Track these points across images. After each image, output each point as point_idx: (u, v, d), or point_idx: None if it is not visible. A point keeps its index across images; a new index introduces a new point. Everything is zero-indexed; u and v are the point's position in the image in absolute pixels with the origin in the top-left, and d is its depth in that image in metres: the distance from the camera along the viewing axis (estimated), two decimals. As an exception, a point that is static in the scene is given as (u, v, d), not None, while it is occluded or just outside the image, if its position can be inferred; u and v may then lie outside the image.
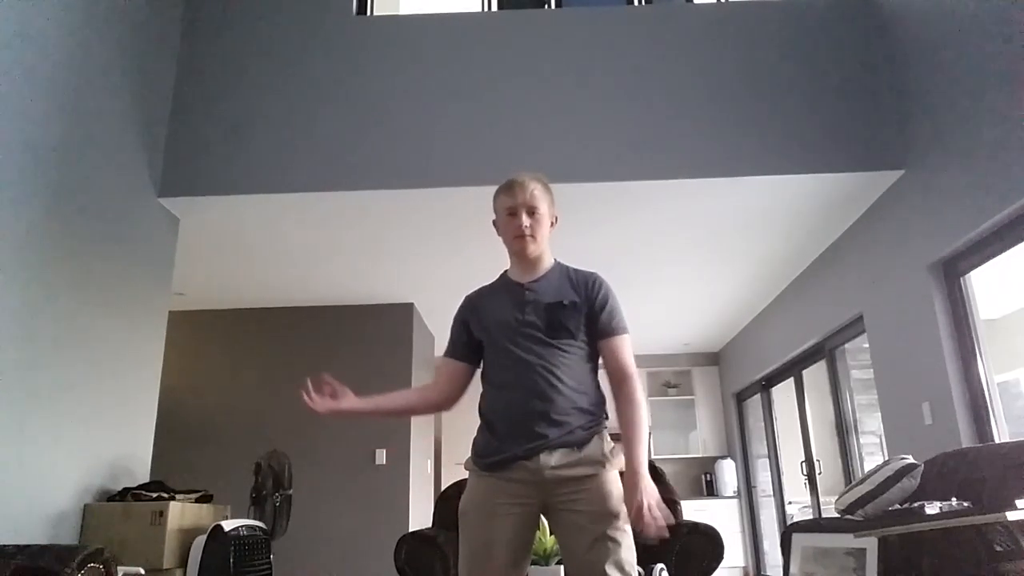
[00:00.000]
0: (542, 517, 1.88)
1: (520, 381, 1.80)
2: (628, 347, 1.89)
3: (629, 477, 1.73)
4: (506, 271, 2.03)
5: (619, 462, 1.80)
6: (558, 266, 1.98)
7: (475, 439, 1.88)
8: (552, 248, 2.01)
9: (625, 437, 1.80)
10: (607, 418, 1.88)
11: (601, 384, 1.91)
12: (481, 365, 1.97)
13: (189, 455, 5.46)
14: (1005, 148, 3.18)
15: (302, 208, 4.25)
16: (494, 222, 2.01)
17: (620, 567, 1.68)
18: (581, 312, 1.87)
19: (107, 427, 3.46)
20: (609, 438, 1.85)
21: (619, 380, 1.86)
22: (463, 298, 2.02)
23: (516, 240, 1.91)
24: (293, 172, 4.06)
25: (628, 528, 1.74)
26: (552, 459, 1.75)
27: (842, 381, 5.33)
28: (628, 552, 1.72)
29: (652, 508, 1.67)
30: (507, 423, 1.81)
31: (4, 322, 2.83)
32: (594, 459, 1.77)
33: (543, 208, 1.92)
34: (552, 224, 1.99)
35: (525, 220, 1.89)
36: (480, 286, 2.03)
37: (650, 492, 1.70)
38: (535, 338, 1.82)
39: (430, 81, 4.25)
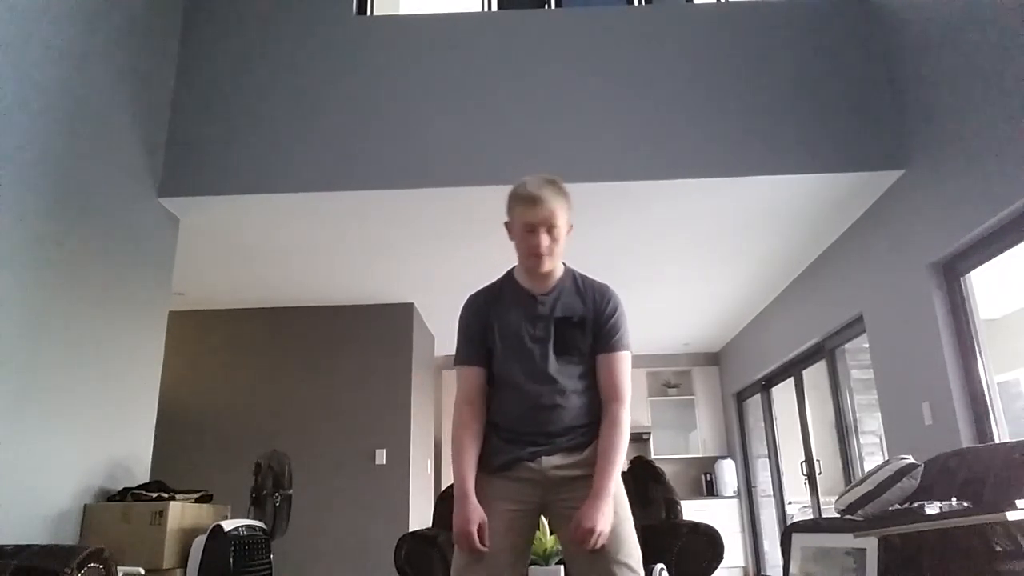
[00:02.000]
0: (543, 518, 1.88)
1: (528, 392, 1.80)
2: (626, 366, 1.84)
3: (592, 499, 1.70)
4: (513, 271, 1.96)
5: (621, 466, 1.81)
6: (568, 274, 1.93)
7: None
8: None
9: (600, 456, 1.76)
10: None
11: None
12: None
13: (189, 455, 5.47)
14: (1005, 148, 3.18)
15: (302, 208, 4.25)
16: (507, 224, 1.91)
17: (625, 565, 1.68)
18: (588, 327, 1.85)
19: (107, 427, 3.46)
20: None
21: (608, 399, 1.83)
22: (469, 299, 1.95)
23: (532, 257, 1.85)
24: (293, 172, 4.06)
25: (630, 526, 1.74)
26: (554, 460, 1.78)
27: (842, 381, 5.32)
28: (633, 548, 1.72)
29: (600, 537, 1.66)
30: (511, 431, 1.81)
31: (4, 322, 2.83)
32: (595, 462, 1.77)
33: (562, 223, 1.84)
34: (568, 231, 1.90)
35: (544, 240, 1.81)
36: (485, 286, 1.96)
37: (607, 521, 1.68)
38: (545, 354, 1.82)
39: (430, 81, 4.25)
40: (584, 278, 1.93)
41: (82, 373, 3.29)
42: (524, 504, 1.78)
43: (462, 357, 1.90)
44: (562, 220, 1.84)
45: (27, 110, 3.02)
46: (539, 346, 1.82)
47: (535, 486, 1.78)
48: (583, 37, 4.36)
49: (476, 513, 1.72)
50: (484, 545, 1.70)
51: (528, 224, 1.82)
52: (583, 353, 1.84)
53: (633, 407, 9.31)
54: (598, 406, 1.84)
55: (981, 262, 3.55)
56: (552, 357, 1.81)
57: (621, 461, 1.77)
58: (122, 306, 3.64)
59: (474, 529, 1.70)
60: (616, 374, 1.83)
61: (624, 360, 1.85)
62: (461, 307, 1.95)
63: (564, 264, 1.94)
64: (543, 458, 1.77)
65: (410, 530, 4.03)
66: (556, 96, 4.20)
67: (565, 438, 1.79)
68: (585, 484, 1.74)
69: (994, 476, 2.58)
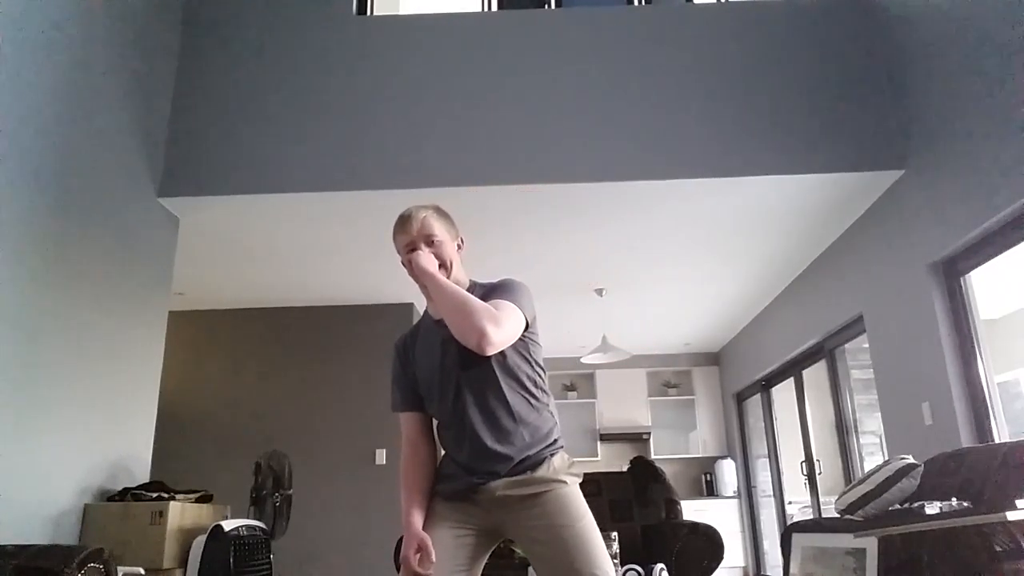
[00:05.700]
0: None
1: (462, 427, 1.76)
2: (510, 309, 1.70)
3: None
4: (427, 308, 1.92)
5: (577, 477, 1.78)
6: (473, 285, 1.87)
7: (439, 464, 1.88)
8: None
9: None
10: (561, 445, 1.82)
11: (552, 409, 1.85)
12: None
13: (189, 455, 5.47)
14: (1005, 148, 3.18)
15: (302, 208, 4.25)
16: (402, 262, 1.86)
17: (595, 566, 1.66)
18: None
19: (107, 427, 3.46)
20: (566, 456, 1.80)
21: None
22: (395, 345, 1.94)
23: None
24: (293, 172, 4.06)
25: (594, 530, 1.72)
26: (501, 483, 1.73)
27: (842, 381, 5.33)
28: (598, 549, 1.68)
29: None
30: (458, 463, 1.78)
31: (4, 322, 2.83)
32: (547, 479, 1.73)
33: (440, 233, 1.82)
34: (459, 247, 1.89)
35: (425, 251, 1.80)
36: (405, 332, 1.95)
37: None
38: (462, 378, 1.76)
39: (430, 81, 4.25)
40: (488, 284, 1.86)
41: (82, 373, 3.29)
42: (470, 525, 1.75)
43: (396, 404, 1.89)
44: (440, 230, 1.82)
45: (26, 110, 3.02)
46: (456, 371, 1.76)
47: (481, 505, 1.74)
48: (583, 37, 4.36)
49: (414, 539, 1.70)
50: (427, 570, 1.67)
51: (408, 245, 1.81)
52: (498, 359, 1.74)
53: (633, 407, 9.26)
54: (540, 419, 1.78)
55: (981, 262, 3.55)
56: (470, 377, 1.75)
57: (456, 294, 1.69)
58: (122, 306, 3.64)
59: (411, 553, 1.68)
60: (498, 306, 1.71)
61: (508, 305, 1.71)
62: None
63: (471, 280, 1.88)
64: (491, 484, 1.73)
65: (410, 530, 4.01)
66: (556, 96, 4.20)
67: (510, 461, 1.73)
68: (539, 499, 1.71)
69: (994, 476, 2.58)
